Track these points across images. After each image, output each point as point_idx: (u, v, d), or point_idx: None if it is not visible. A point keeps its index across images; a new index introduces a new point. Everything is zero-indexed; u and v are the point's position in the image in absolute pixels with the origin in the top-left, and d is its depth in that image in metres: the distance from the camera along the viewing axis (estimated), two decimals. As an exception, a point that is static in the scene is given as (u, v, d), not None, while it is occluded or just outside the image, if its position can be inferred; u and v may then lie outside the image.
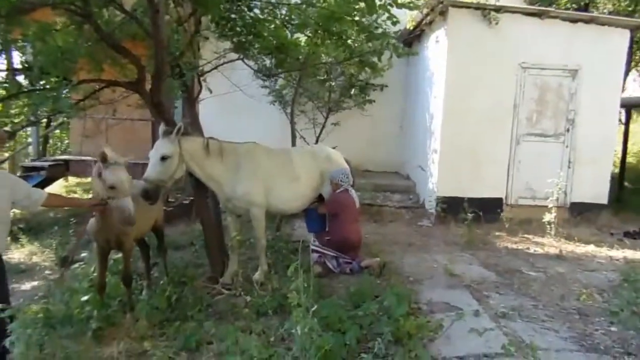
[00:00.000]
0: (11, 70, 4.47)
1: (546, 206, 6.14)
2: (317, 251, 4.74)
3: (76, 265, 4.38)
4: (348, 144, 7.51)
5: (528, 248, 5.90)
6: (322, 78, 7.61)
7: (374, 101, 8.69)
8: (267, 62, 6.17)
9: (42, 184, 7.55)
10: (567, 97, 7.15)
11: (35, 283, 5.09)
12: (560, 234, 6.24)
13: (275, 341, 3.32)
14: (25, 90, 3.78)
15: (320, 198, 4.97)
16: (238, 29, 4.98)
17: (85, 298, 3.73)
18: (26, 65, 4.65)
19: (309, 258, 4.68)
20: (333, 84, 7.80)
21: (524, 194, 7.24)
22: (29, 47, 5.31)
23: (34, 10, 4.10)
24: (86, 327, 3.48)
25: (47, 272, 5.45)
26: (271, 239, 5.70)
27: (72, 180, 13.55)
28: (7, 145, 6.96)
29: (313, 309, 2.85)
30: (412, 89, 9.19)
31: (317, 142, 7.34)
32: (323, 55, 5.71)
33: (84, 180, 14.37)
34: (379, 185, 8.10)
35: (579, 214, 7.14)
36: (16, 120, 5.18)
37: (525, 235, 6.43)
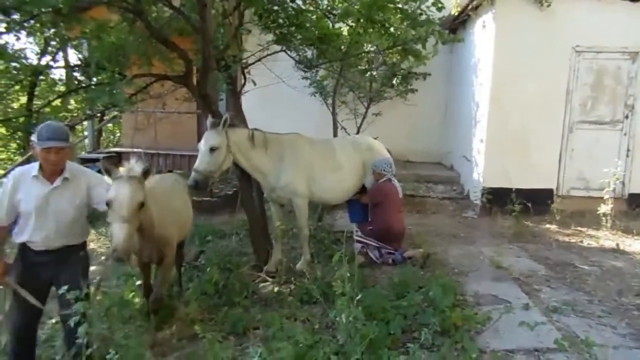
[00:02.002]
0: (69, 67, 4.72)
1: (601, 197, 5.81)
2: (359, 241, 4.74)
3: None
4: (389, 134, 7.42)
5: (581, 241, 5.62)
6: (364, 68, 7.53)
7: (417, 90, 8.52)
8: (309, 53, 6.18)
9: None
10: (625, 81, 6.69)
11: (92, 268, 5.42)
12: (617, 226, 5.90)
13: (319, 328, 3.38)
14: (84, 85, 3.99)
15: (362, 190, 4.96)
16: (280, 20, 5.02)
17: (139, 283, 3.94)
18: (83, 62, 4.91)
19: (352, 248, 4.70)
20: (374, 73, 7.71)
21: (577, 185, 6.88)
22: (85, 44, 5.58)
23: (90, 9, 4.32)
24: (140, 310, 3.67)
25: (102, 258, 5.79)
26: (313, 229, 5.76)
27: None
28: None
29: (357, 298, 2.86)
30: (456, 77, 8.92)
31: (358, 132, 7.30)
32: (365, 44, 5.65)
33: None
34: (422, 176, 7.96)
35: (638, 205, 6.71)
36: (75, 114, 5.51)
37: (578, 228, 6.13)
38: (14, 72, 6.65)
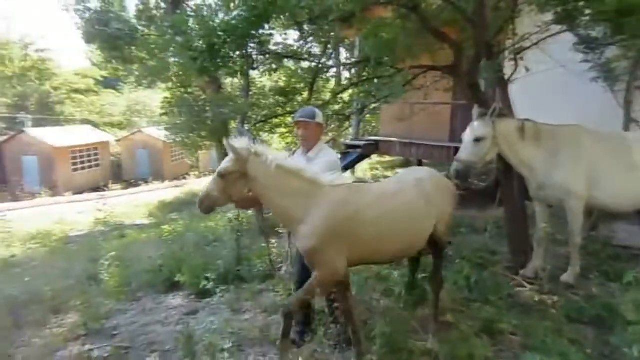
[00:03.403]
0: (351, 64, 5.36)
1: None
2: (654, 262, 3.78)
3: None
4: None
5: None
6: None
7: None
8: (595, 31, 5.18)
9: (358, 160, 9.02)
10: None
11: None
12: None
13: (593, 353, 2.89)
14: (364, 79, 4.47)
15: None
16: (566, -5, 4.36)
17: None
18: (357, 60, 5.53)
19: (641, 268, 3.80)
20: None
21: None
22: (357, 43, 6.20)
23: (370, 9, 4.79)
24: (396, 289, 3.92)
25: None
26: (583, 238, 4.92)
27: (375, 158, 15.61)
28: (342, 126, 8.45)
29: (657, 331, 2.30)
30: None
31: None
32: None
33: (384, 159, 16.36)
34: None
35: None
36: (347, 106, 6.30)
37: None
38: (300, 72, 8.05)
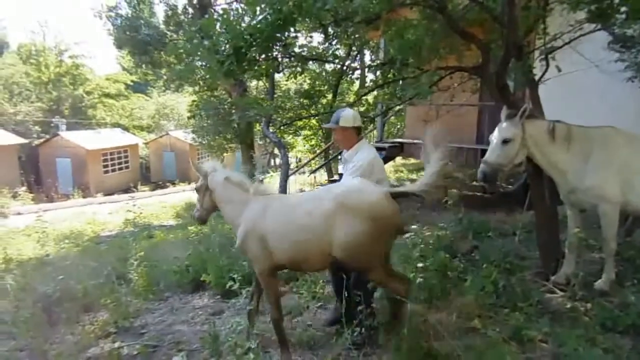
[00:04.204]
0: (377, 66, 5.33)
1: None
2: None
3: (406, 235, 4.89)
4: None
5: None
6: None
7: None
8: (631, 30, 4.99)
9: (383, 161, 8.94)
10: None
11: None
12: None
13: (629, 365, 2.77)
14: (390, 80, 4.44)
15: None
16: (602, -9, 4.21)
17: (420, 265, 4.16)
18: (382, 61, 5.49)
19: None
20: None
21: None
22: (382, 45, 6.15)
23: (395, 10, 4.75)
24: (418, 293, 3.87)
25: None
26: (618, 244, 4.73)
27: (399, 160, 15.49)
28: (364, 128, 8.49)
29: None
30: None
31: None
32: None
33: (408, 161, 16.20)
34: None
35: None
36: (371, 108, 6.26)
37: None
38: (324, 74, 8.03)
